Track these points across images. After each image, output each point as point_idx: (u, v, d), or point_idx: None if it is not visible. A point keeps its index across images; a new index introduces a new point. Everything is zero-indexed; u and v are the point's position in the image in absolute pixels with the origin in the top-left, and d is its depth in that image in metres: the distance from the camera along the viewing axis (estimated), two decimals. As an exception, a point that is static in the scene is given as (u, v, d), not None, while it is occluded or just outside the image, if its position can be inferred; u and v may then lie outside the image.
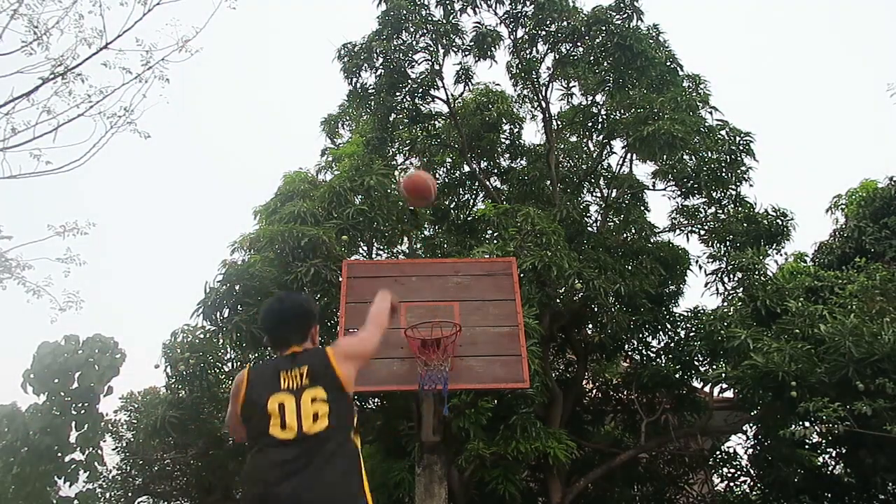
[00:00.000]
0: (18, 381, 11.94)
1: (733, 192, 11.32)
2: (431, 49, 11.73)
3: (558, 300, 9.90)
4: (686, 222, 11.83)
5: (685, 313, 11.22)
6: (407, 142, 13.33)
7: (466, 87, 12.66)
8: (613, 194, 12.35)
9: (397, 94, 11.86)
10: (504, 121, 13.26)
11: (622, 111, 10.96)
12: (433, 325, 5.82)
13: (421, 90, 11.97)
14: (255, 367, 2.79)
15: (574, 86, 12.98)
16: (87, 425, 12.10)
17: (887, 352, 7.53)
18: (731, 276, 10.61)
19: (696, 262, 11.44)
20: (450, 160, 13.59)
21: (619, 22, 11.23)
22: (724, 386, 9.93)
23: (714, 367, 10.01)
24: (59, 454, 11.77)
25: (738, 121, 12.35)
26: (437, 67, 11.84)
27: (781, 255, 11.55)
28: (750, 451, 11.72)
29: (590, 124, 12.53)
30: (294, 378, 2.62)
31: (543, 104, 12.42)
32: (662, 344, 11.34)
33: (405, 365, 5.92)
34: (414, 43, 11.68)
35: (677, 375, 10.77)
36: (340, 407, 2.60)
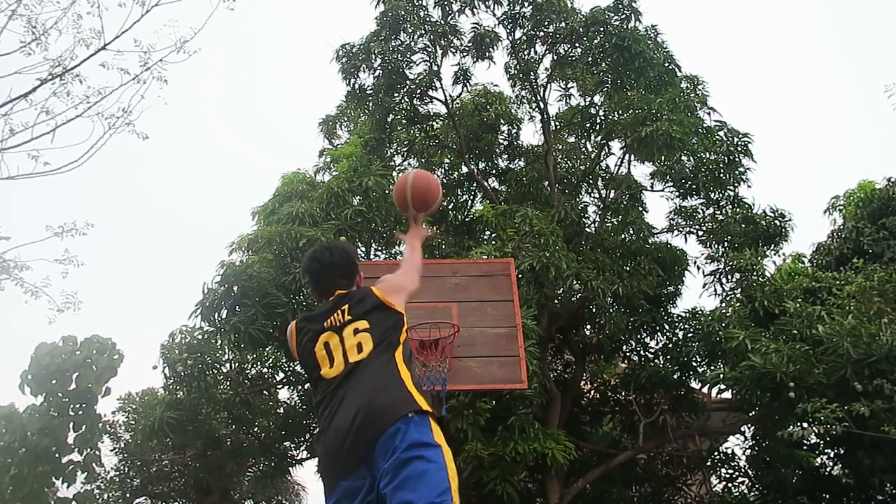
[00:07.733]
0: (16, 383, 11.93)
1: (731, 193, 11.32)
2: (430, 50, 11.73)
3: (556, 301, 9.89)
4: (684, 223, 11.83)
5: (683, 314, 11.21)
6: (405, 143, 13.31)
7: (465, 88, 12.66)
8: (611, 195, 12.35)
9: (395, 94, 11.86)
10: (502, 121, 13.23)
11: (620, 112, 10.96)
12: (431, 326, 5.80)
13: (419, 91, 11.97)
14: (301, 317, 2.75)
15: (572, 87, 12.97)
16: (84, 426, 12.08)
17: (885, 353, 7.53)
18: (729, 276, 10.61)
19: (695, 262, 11.43)
20: (448, 161, 13.57)
21: (617, 23, 11.24)
22: (722, 387, 9.91)
23: (712, 367, 10.00)
24: (57, 455, 11.74)
25: (737, 121, 12.35)
26: (435, 68, 11.84)
27: (779, 255, 11.56)
28: (748, 451, 11.73)
29: (588, 125, 12.53)
30: (336, 316, 2.58)
31: (542, 105, 12.42)
32: (660, 345, 11.33)
33: (403, 366, 5.90)
34: (412, 44, 11.68)
35: (675, 376, 10.75)
36: (383, 329, 2.54)
